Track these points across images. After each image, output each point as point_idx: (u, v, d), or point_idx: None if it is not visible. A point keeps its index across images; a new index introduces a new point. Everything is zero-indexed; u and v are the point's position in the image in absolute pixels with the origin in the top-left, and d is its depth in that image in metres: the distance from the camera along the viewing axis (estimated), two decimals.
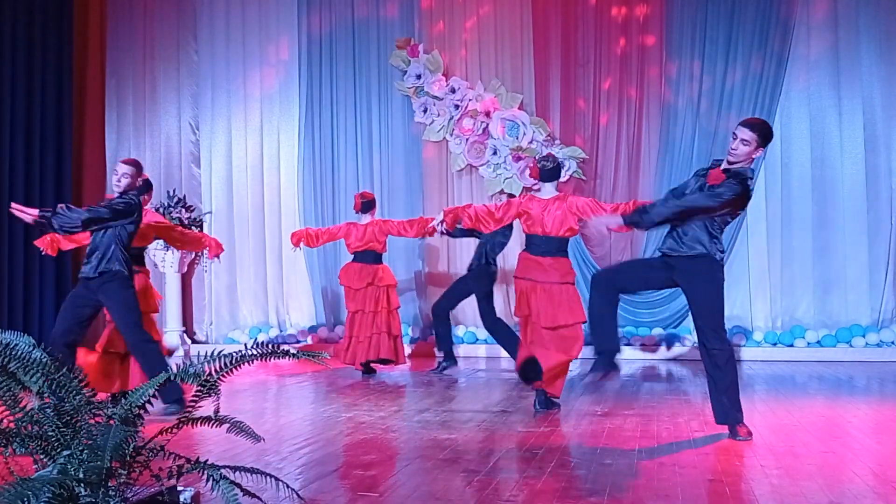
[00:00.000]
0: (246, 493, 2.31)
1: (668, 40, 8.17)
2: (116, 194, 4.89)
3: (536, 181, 5.13)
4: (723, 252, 4.02)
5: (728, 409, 3.99)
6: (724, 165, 3.94)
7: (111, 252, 4.79)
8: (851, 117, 7.82)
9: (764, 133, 3.87)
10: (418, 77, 8.67)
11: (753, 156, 3.90)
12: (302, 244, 7.16)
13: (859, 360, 7.36)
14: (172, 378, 2.34)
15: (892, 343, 7.54)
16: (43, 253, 5.57)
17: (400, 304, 7.11)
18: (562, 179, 5.29)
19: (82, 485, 2.03)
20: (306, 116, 9.02)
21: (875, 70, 7.79)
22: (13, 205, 4.66)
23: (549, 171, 5.02)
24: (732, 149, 3.88)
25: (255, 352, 2.36)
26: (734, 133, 3.90)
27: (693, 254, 3.94)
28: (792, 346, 7.71)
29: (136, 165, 5.01)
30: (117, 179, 4.86)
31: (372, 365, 6.90)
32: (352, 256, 6.98)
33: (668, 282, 4.12)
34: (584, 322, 4.81)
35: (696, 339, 8.01)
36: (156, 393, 2.25)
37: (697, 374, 6.67)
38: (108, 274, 4.78)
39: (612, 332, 4.14)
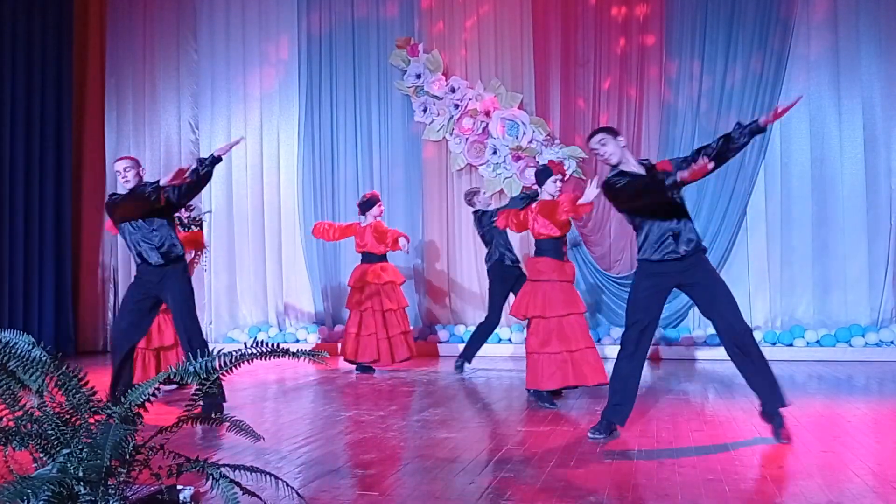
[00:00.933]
0: (245, 491, 2.31)
1: (668, 40, 8.17)
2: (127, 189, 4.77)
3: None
4: None
5: (780, 390, 3.94)
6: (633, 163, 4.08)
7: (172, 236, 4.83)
8: (851, 117, 7.81)
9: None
10: (418, 76, 8.67)
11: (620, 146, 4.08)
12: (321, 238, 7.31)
13: (859, 359, 7.35)
14: (172, 377, 2.34)
15: (892, 343, 7.53)
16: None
17: (408, 302, 7.16)
18: (549, 186, 5.23)
19: (82, 483, 2.03)
20: (306, 116, 9.02)
21: (875, 70, 7.79)
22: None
23: (537, 174, 5.28)
24: (607, 158, 4.07)
25: (254, 350, 2.36)
26: (594, 150, 4.07)
27: (692, 249, 3.96)
28: (791, 345, 7.71)
29: (134, 160, 4.88)
30: (122, 176, 4.73)
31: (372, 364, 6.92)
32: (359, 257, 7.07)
33: (669, 293, 4.11)
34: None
35: (695, 337, 8.01)
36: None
37: (696, 374, 6.68)
38: (176, 258, 4.78)
39: (629, 402, 4.05)
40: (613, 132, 4.07)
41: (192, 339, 4.70)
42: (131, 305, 4.79)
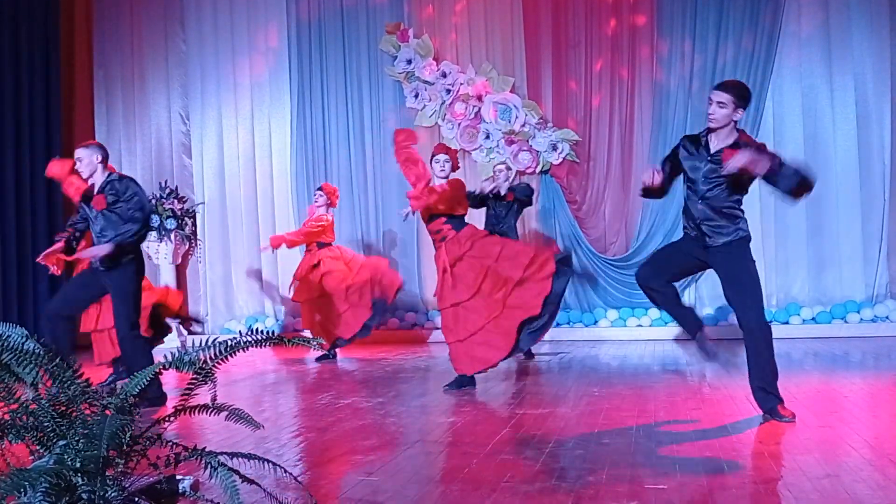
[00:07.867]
0: (245, 479, 2.30)
1: (659, 19, 8.14)
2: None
3: None
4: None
5: (768, 393, 3.91)
6: (724, 141, 3.82)
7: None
8: (843, 93, 7.81)
9: (739, 93, 3.79)
10: (409, 62, 8.63)
11: (733, 118, 3.80)
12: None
13: (854, 335, 7.39)
14: (166, 366, 2.33)
15: (886, 318, 7.57)
16: (50, 272, 5.39)
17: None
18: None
19: (79, 475, 2.02)
20: (297, 104, 8.97)
21: (866, 46, 7.77)
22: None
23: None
24: (710, 113, 3.81)
25: (249, 339, 2.35)
26: (710, 98, 3.83)
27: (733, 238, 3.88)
28: (787, 323, 7.74)
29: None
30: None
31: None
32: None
33: (702, 266, 4.08)
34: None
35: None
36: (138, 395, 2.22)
37: (693, 353, 6.69)
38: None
39: (688, 318, 4.11)
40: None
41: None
42: None
